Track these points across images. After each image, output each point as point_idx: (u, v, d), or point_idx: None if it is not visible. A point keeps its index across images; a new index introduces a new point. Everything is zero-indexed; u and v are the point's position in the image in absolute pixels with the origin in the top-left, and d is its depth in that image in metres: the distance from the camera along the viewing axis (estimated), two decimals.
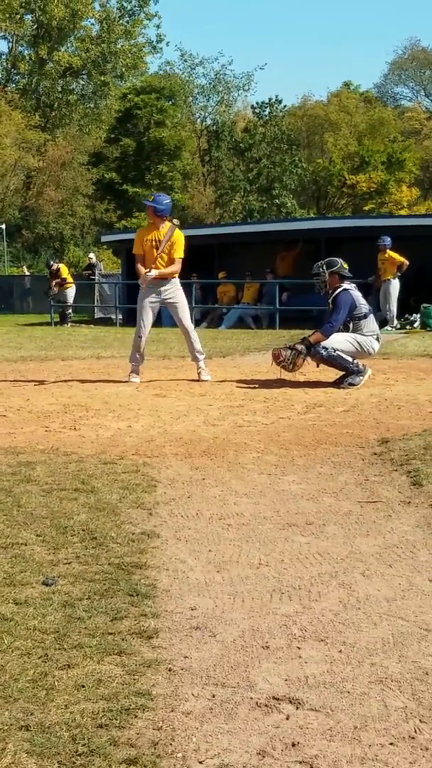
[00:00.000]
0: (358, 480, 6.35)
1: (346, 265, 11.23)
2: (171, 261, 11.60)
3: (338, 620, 3.91)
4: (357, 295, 11.04)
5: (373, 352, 11.17)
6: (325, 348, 10.60)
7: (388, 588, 4.28)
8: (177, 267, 11.70)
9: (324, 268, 11.10)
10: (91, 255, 36.14)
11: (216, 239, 28.74)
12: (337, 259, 11.31)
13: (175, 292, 11.78)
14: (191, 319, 12.38)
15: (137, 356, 11.77)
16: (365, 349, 10.93)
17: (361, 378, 10.66)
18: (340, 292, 10.92)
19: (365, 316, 10.98)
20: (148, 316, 11.75)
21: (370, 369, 10.90)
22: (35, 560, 4.61)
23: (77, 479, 6.25)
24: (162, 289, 11.62)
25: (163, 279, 11.62)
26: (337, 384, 10.69)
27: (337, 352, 10.62)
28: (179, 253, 11.62)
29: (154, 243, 11.56)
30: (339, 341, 10.70)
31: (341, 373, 10.82)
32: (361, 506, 5.70)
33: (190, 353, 11.94)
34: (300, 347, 10.74)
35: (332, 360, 10.68)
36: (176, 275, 11.84)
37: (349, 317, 10.91)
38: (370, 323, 11.07)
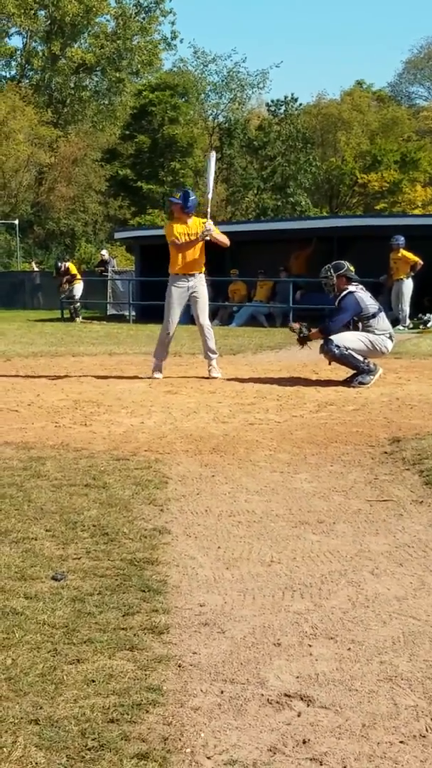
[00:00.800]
0: (368, 479, 6.34)
1: (352, 268, 11.33)
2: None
3: (348, 618, 3.90)
4: (363, 296, 11.08)
5: (386, 351, 11.17)
6: (338, 346, 10.62)
7: (399, 587, 4.27)
8: (226, 239, 12.19)
9: (332, 271, 11.21)
10: (104, 251, 36.18)
11: (229, 237, 28.68)
12: (343, 261, 11.46)
13: (200, 286, 11.88)
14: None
15: (163, 353, 11.83)
16: (378, 348, 10.93)
17: (372, 377, 10.66)
18: (345, 294, 11.02)
19: (374, 316, 10.99)
20: (176, 313, 11.83)
21: (381, 368, 10.90)
22: (45, 555, 4.62)
23: (88, 475, 6.25)
24: (190, 284, 11.70)
25: (195, 269, 11.84)
26: (347, 383, 10.70)
27: (349, 350, 10.63)
28: (216, 231, 11.92)
29: (188, 237, 11.68)
30: (351, 340, 10.73)
31: (352, 371, 10.82)
32: (370, 505, 5.70)
33: (203, 350, 11.95)
34: (308, 331, 11.48)
35: (344, 358, 10.70)
36: (227, 243, 12.29)
37: (357, 318, 11.00)
38: (381, 321, 11.08)
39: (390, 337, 11.15)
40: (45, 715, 3.02)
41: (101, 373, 12.09)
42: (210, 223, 11.73)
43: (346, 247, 24.78)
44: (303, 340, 11.63)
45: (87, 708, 3.06)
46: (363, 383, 10.56)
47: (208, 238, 11.65)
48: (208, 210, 12.02)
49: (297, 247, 26.18)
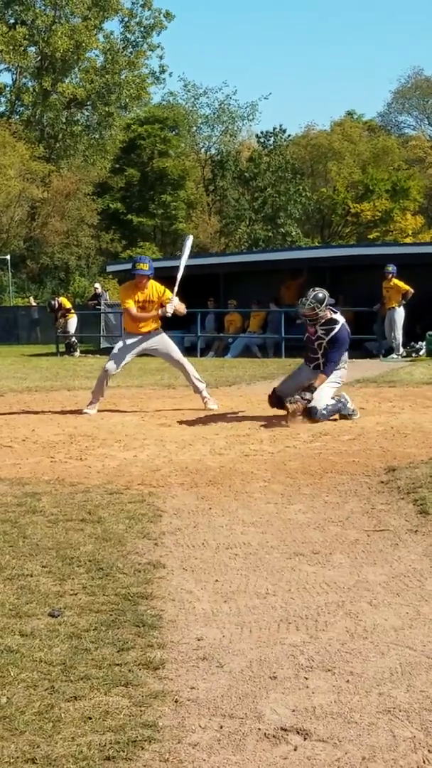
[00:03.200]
0: (364, 508, 6.34)
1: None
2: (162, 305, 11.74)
3: (345, 650, 3.89)
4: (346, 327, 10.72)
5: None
6: (317, 409, 10.14)
7: (396, 617, 4.26)
8: (184, 310, 12.03)
9: (320, 306, 10.42)
10: (97, 285, 36.20)
11: (221, 268, 28.78)
12: (321, 289, 10.71)
13: (158, 341, 11.92)
14: (191, 350, 12.48)
15: (100, 391, 11.85)
16: (343, 381, 10.79)
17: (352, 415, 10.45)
18: (340, 329, 10.49)
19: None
20: (122, 356, 11.85)
21: (358, 414, 10.56)
22: (41, 591, 4.60)
23: (83, 510, 6.25)
24: (146, 341, 11.85)
25: (153, 330, 11.84)
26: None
27: (328, 407, 10.29)
28: (168, 293, 11.75)
29: (145, 303, 11.68)
30: (326, 394, 10.36)
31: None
32: (367, 535, 5.69)
33: (191, 385, 11.93)
34: (309, 396, 10.19)
35: (329, 415, 10.29)
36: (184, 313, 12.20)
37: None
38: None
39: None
40: (42, 753, 3.01)
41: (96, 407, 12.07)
42: (174, 301, 11.69)
43: (338, 277, 24.89)
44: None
45: (84, 746, 3.05)
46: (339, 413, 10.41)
47: (168, 315, 11.64)
48: (176, 288, 11.94)
49: (288, 277, 26.27)
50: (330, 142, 66.12)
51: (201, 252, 52.74)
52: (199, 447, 8.78)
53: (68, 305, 29.13)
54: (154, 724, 3.21)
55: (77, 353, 27.77)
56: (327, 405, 10.24)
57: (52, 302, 30.09)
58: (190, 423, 10.37)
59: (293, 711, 3.32)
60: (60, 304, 29.03)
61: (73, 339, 28.61)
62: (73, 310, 29.36)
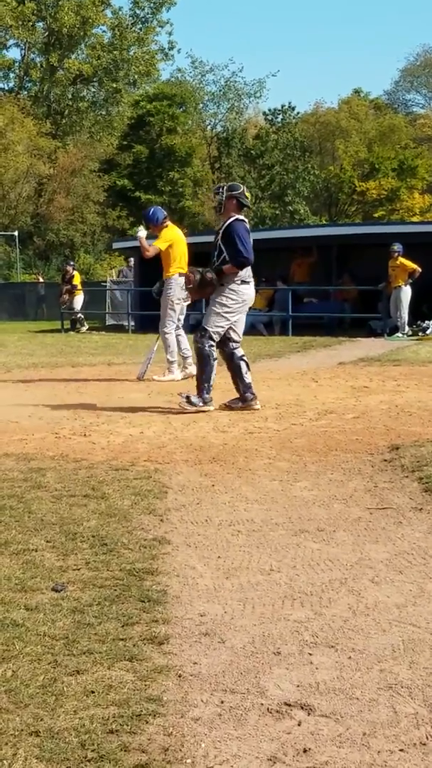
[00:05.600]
0: (367, 486, 6.34)
1: (248, 194, 10.19)
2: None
3: (348, 626, 3.90)
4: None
5: None
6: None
7: (399, 594, 4.27)
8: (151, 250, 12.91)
9: (224, 189, 10.01)
10: (123, 267, 36.23)
11: None
12: (239, 184, 10.38)
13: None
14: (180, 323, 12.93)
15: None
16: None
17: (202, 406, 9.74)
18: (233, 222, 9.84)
19: None
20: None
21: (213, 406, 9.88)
22: (45, 566, 4.61)
23: (87, 485, 6.26)
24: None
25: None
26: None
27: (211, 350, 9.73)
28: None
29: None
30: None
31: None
32: (370, 513, 5.70)
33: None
34: (209, 276, 9.76)
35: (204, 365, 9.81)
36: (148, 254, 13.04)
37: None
38: None
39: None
40: (45, 726, 3.02)
41: (101, 384, 12.09)
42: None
43: (345, 255, 24.84)
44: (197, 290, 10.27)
45: (87, 719, 3.06)
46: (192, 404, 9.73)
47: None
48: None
49: (299, 255, 26.17)
50: (338, 120, 65.88)
51: (206, 230, 52.64)
52: (203, 424, 8.79)
53: (77, 281, 29.01)
54: (159, 698, 3.22)
55: (84, 328, 27.71)
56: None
57: (67, 267, 29.97)
58: None
59: (297, 686, 3.34)
60: (71, 276, 28.90)
61: (80, 315, 28.53)
62: (79, 287, 29.24)
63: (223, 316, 9.71)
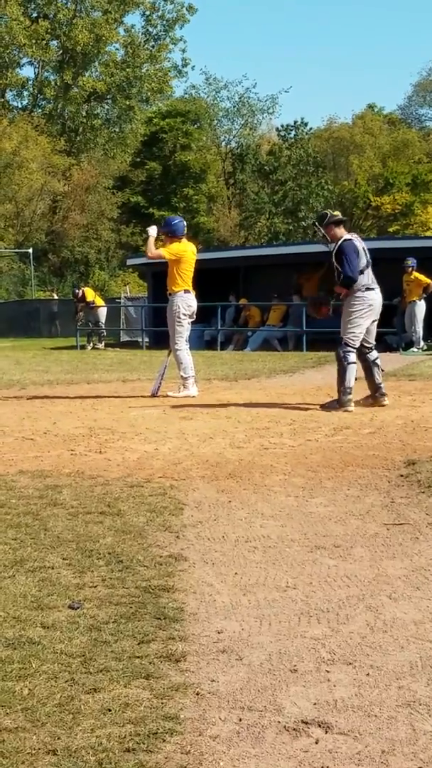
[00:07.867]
0: (384, 502, 6.32)
1: (336, 213, 11.32)
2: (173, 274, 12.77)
3: (366, 643, 3.88)
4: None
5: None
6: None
7: (416, 611, 4.25)
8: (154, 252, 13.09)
9: (317, 222, 11.16)
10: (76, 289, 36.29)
11: (242, 261, 28.76)
12: (325, 211, 11.48)
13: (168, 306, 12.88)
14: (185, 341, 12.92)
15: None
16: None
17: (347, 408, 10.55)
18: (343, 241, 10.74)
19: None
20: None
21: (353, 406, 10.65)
22: (62, 584, 4.61)
23: (103, 502, 6.25)
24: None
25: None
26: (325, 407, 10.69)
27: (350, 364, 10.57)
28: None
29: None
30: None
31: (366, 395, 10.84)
32: (387, 528, 5.68)
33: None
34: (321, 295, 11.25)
35: (341, 370, 10.66)
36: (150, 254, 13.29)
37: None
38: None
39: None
40: (62, 745, 3.01)
41: (116, 401, 12.10)
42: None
43: None
44: (318, 304, 11.69)
45: (104, 737, 3.04)
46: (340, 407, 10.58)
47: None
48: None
49: (308, 270, 26.19)
50: (352, 135, 66.00)
51: (221, 245, 52.69)
52: (219, 440, 8.78)
53: (91, 297, 29.07)
54: (176, 717, 3.20)
55: (101, 345, 27.75)
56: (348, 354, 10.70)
57: (76, 290, 30.16)
58: (211, 416, 10.37)
59: (314, 704, 3.32)
60: (83, 294, 29.00)
61: (102, 331, 28.62)
62: (97, 300, 29.29)
63: (352, 322, 10.66)
